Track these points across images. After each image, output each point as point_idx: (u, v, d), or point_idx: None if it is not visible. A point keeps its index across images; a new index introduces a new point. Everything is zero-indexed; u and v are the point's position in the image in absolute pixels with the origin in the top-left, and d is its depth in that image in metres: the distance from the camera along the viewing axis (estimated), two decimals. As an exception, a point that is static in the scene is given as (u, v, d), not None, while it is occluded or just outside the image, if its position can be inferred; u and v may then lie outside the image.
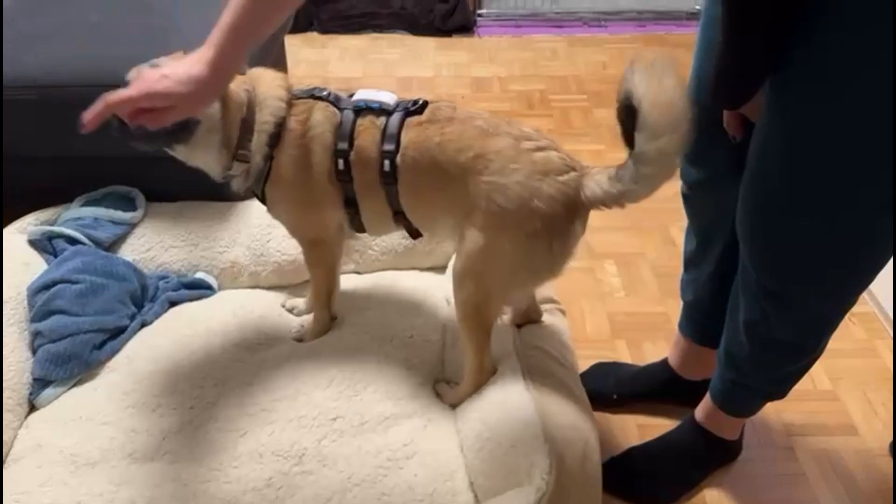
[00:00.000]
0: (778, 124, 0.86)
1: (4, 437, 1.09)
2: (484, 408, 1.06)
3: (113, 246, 1.42)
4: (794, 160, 0.86)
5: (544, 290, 1.26)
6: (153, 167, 1.52)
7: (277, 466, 1.03)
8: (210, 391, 1.14)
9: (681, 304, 1.36)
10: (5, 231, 1.38)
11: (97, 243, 1.38)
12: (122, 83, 1.03)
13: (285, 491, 1.00)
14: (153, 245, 1.44)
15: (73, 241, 1.36)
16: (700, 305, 1.30)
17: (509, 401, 1.04)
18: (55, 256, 1.34)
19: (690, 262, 1.29)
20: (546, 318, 1.25)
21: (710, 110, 1.02)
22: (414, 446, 1.07)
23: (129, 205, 1.47)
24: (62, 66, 1.41)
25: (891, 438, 1.35)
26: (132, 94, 0.88)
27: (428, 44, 3.01)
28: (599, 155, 2.25)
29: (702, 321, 1.31)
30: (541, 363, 1.12)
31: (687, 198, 1.22)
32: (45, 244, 1.36)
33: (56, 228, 1.37)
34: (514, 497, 0.89)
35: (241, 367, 1.19)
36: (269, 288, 1.44)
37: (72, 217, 1.41)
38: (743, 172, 0.99)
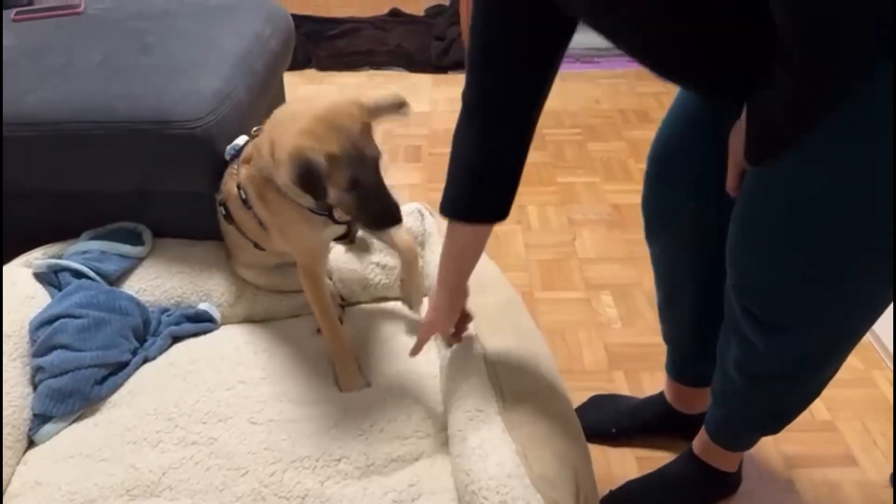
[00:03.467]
0: (783, 167, 0.83)
1: (3, 474, 1.08)
2: (465, 453, 1.01)
3: (120, 276, 1.43)
4: (798, 201, 0.84)
5: (494, 278, 1.27)
6: (156, 204, 1.54)
7: (279, 506, 1.01)
8: (212, 427, 1.13)
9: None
10: (11, 264, 1.38)
11: (104, 276, 1.39)
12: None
13: (287, 530, 0.99)
14: (160, 273, 1.46)
15: (78, 274, 1.36)
16: (680, 349, 1.32)
17: (488, 444, 0.99)
18: (60, 290, 1.34)
19: (663, 309, 1.31)
20: (519, 343, 1.20)
21: (672, 177, 1.06)
22: (420, 487, 1.05)
23: (136, 240, 1.48)
24: (62, 104, 1.43)
25: (891, 469, 1.35)
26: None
27: (424, 80, 3.06)
28: (593, 186, 2.28)
29: (684, 364, 1.32)
30: (517, 386, 1.08)
31: (651, 246, 1.24)
32: (50, 277, 1.37)
33: (62, 261, 1.37)
34: None
35: (245, 403, 1.18)
36: (263, 320, 1.45)
37: (78, 250, 1.41)
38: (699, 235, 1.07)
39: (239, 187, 1.28)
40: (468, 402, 1.07)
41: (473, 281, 1.12)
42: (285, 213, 1.20)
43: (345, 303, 1.46)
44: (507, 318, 1.23)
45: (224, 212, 1.39)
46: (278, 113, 1.17)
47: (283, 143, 1.05)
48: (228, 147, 1.37)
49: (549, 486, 0.92)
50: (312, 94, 2.93)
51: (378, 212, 1.06)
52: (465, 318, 1.16)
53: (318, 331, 1.33)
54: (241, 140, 1.35)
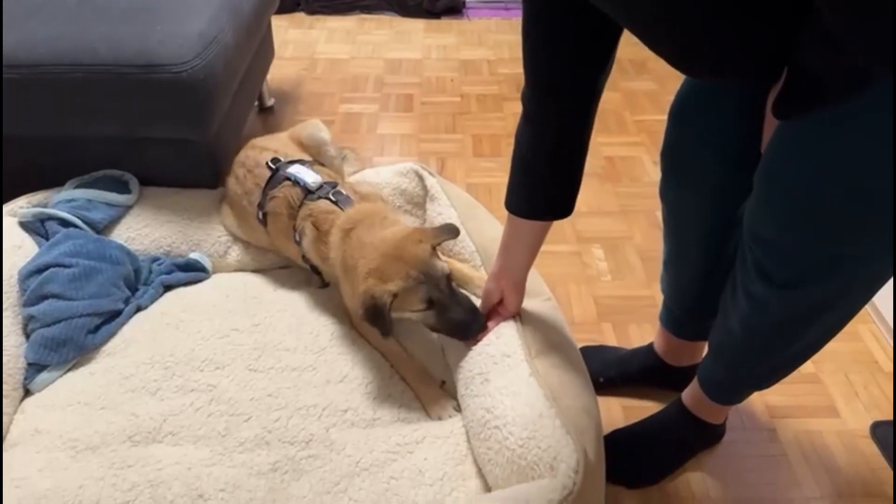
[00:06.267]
0: (810, 128, 0.83)
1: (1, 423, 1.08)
2: (488, 392, 1.04)
3: (108, 225, 1.41)
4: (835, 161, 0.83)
5: (536, 284, 1.27)
6: (141, 151, 1.51)
7: (284, 451, 1.03)
8: (210, 375, 1.14)
9: (664, 293, 1.38)
10: None
11: (91, 225, 1.37)
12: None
13: (291, 475, 1.00)
14: (149, 221, 1.44)
15: (65, 223, 1.34)
16: (679, 303, 1.32)
17: (515, 386, 1.01)
18: (47, 239, 1.32)
19: (668, 263, 1.31)
20: (542, 303, 1.25)
21: (694, 129, 1.05)
22: (424, 431, 1.07)
23: (122, 188, 1.46)
24: (42, 45, 1.38)
25: (871, 420, 1.39)
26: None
27: (416, 25, 2.99)
28: (587, 138, 2.26)
29: (681, 317, 1.33)
30: (542, 341, 1.10)
31: (664, 196, 1.23)
32: (37, 226, 1.34)
33: (48, 210, 1.35)
34: (534, 492, 0.86)
35: (240, 350, 1.19)
36: (255, 270, 1.45)
37: (64, 199, 1.39)
38: (721, 186, 1.06)
39: (295, 229, 1.31)
40: (493, 348, 1.10)
41: (494, 247, 1.14)
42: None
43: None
44: (529, 277, 1.24)
45: (261, 218, 1.37)
46: (356, 235, 1.19)
47: (355, 278, 1.14)
48: (295, 175, 1.33)
49: (579, 432, 0.94)
50: (302, 39, 2.85)
51: (457, 323, 1.12)
52: (504, 310, 1.17)
53: (323, 285, 1.37)
54: (307, 176, 1.33)
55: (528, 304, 1.19)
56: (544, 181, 1.04)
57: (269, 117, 2.34)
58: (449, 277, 1.13)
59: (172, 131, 1.46)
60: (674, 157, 1.15)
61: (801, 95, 0.80)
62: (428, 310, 1.12)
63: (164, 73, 1.36)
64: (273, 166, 1.38)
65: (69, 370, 1.18)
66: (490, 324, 1.16)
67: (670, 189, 1.20)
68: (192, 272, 1.40)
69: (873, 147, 0.79)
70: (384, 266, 1.10)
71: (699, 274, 1.24)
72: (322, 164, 1.45)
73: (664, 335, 1.39)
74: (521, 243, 1.11)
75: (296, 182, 1.32)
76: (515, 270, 1.14)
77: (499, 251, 1.14)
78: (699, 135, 1.08)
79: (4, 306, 1.19)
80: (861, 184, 0.82)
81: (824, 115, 0.80)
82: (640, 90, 2.53)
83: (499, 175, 2.09)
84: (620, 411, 1.41)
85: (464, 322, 1.12)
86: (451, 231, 1.19)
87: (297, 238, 1.31)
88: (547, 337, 1.12)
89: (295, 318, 1.28)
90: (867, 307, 1.61)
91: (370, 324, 1.12)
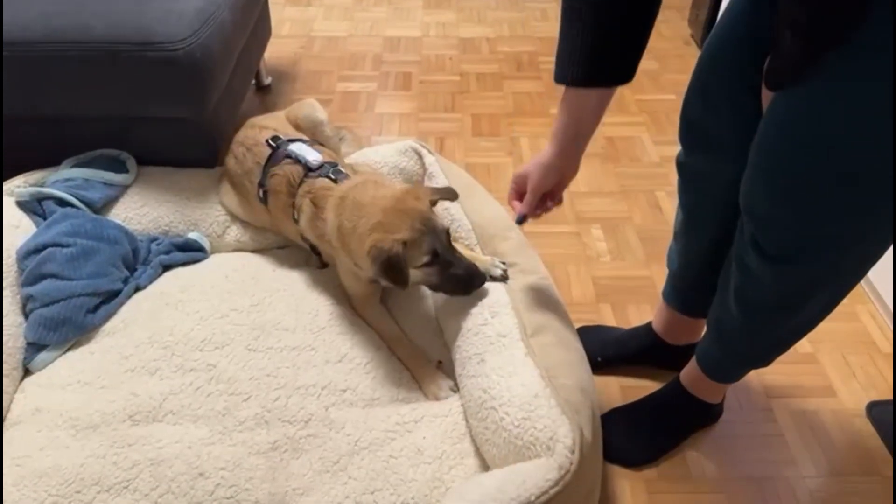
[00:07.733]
0: (798, 102, 0.82)
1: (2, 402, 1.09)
2: (484, 373, 1.04)
3: (105, 205, 1.41)
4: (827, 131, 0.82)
5: (532, 263, 1.26)
6: (138, 130, 1.50)
7: (283, 431, 1.03)
8: (210, 354, 1.14)
9: (665, 269, 1.38)
10: None
11: (89, 204, 1.36)
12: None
13: (290, 454, 1.01)
14: (147, 201, 1.44)
15: (62, 202, 1.33)
16: (685, 276, 1.31)
17: (510, 366, 1.02)
18: (44, 219, 1.31)
19: (680, 233, 1.30)
20: (537, 282, 1.25)
21: (724, 85, 1.02)
22: (422, 410, 1.07)
23: (120, 167, 1.45)
24: (36, 23, 1.36)
25: (867, 400, 1.40)
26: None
27: (415, 3, 2.95)
28: (588, 119, 2.24)
29: (686, 291, 1.33)
30: (538, 321, 1.11)
31: (681, 167, 1.22)
32: (34, 206, 1.34)
33: (45, 189, 1.34)
34: (531, 471, 0.86)
35: (239, 330, 1.19)
36: (254, 250, 1.44)
37: (61, 178, 1.38)
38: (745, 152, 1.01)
39: (294, 206, 1.30)
40: (490, 328, 1.10)
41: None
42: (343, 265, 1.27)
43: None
44: (523, 255, 1.25)
45: (262, 196, 1.36)
46: (350, 199, 1.18)
47: (358, 240, 1.12)
48: (296, 152, 1.32)
49: (574, 412, 0.94)
50: (299, 17, 2.82)
51: (459, 278, 1.11)
52: (554, 195, 1.10)
53: (322, 265, 1.36)
54: (309, 154, 1.31)
55: (524, 280, 1.19)
56: (610, 38, 0.92)
57: (266, 96, 2.32)
58: (448, 233, 1.12)
59: (169, 110, 1.45)
60: (691, 125, 1.13)
61: (789, 56, 0.79)
62: (431, 265, 1.10)
63: (161, 51, 1.35)
64: (273, 144, 1.37)
65: (69, 350, 1.19)
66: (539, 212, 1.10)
67: (687, 157, 1.18)
68: (190, 252, 1.39)
69: (866, 123, 0.78)
70: (388, 219, 1.09)
71: (708, 245, 1.23)
72: (321, 144, 1.44)
73: (664, 313, 1.39)
74: (585, 112, 0.98)
75: (297, 160, 1.32)
76: (575, 149, 1.02)
77: (551, 137, 1.02)
78: (716, 103, 1.07)
79: (4, 286, 1.19)
80: (853, 161, 0.82)
81: (816, 87, 0.78)
82: (641, 69, 2.47)
83: (498, 155, 2.08)
84: (618, 391, 1.42)
85: (465, 278, 1.11)
86: (450, 193, 1.18)
87: (296, 216, 1.30)
88: (543, 316, 1.12)
89: (294, 298, 1.28)
90: (865, 287, 1.62)
91: (385, 279, 1.10)
